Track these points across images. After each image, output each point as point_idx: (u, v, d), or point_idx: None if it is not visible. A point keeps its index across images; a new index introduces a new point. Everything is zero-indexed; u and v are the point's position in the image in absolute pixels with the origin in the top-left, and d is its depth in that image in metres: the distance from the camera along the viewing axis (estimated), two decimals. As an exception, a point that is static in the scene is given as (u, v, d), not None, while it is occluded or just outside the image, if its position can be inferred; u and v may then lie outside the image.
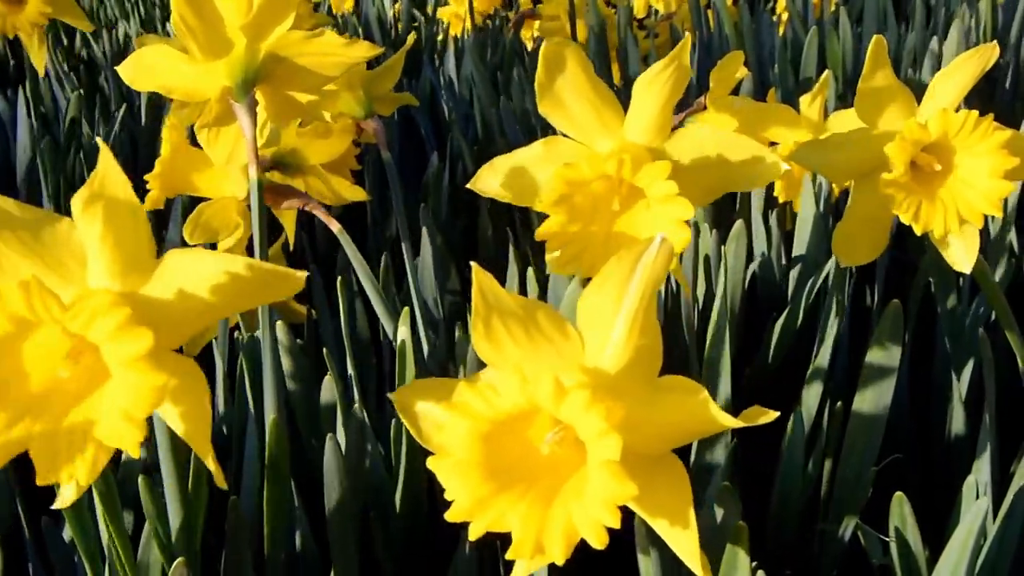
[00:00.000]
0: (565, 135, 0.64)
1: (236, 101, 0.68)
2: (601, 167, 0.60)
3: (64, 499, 0.51)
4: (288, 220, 0.94)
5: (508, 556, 0.43)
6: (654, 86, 0.61)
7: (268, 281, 0.48)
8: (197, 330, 0.49)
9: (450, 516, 0.43)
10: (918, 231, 0.64)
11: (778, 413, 0.44)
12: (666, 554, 0.59)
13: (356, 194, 0.95)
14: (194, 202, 0.93)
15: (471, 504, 0.43)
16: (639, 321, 0.44)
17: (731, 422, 0.44)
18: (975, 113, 0.62)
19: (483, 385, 0.43)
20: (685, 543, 0.45)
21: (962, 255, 0.66)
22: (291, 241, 0.98)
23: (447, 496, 0.43)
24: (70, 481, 0.45)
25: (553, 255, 0.62)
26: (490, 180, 0.65)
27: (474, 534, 0.43)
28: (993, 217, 0.99)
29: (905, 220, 0.64)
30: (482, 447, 0.43)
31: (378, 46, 0.70)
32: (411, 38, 1.08)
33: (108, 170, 0.48)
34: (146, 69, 0.69)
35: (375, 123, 0.91)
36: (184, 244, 1.08)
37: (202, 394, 0.49)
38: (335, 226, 0.80)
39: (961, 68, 0.65)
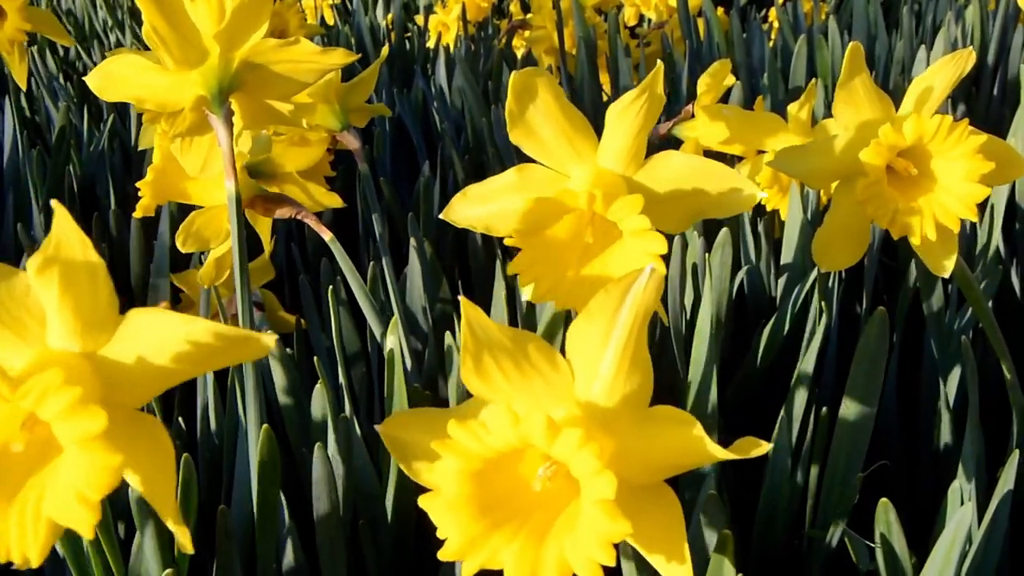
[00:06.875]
0: (538, 162, 0.62)
1: (211, 111, 0.66)
2: (573, 202, 0.58)
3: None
4: (263, 230, 0.94)
5: None
6: (627, 115, 0.60)
7: (234, 346, 0.46)
8: (161, 390, 0.47)
9: (443, 555, 0.42)
10: (895, 235, 0.64)
11: (770, 446, 0.43)
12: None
13: (332, 200, 0.95)
14: (183, 206, 0.93)
15: (464, 543, 0.42)
16: (629, 353, 0.43)
17: (724, 454, 0.43)
18: (949, 118, 0.62)
19: (474, 423, 0.42)
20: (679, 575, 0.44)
21: (941, 259, 0.66)
22: (267, 251, 0.98)
23: (439, 535, 0.43)
24: (22, 561, 0.42)
25: (527, 288, 0.60)
26: (463, 210, 0.63)
27: (467, 573, 0.43)
28: (978, 223, 1.00)
29: (882, 225, 0.64)
30: (473, 485, 0.43)
31: (354, 53, 0.69)
32: (384, 51, 1.08)
33: (64, 231, 0.45)
34: (115, 79, 0.68)
35: (352, 135, 0.91)
36: (174, 246, 1.08)
37: (164, 457, 0.47)
38: (327, 235, 0.80)
39: (938, 73, 0.65)
